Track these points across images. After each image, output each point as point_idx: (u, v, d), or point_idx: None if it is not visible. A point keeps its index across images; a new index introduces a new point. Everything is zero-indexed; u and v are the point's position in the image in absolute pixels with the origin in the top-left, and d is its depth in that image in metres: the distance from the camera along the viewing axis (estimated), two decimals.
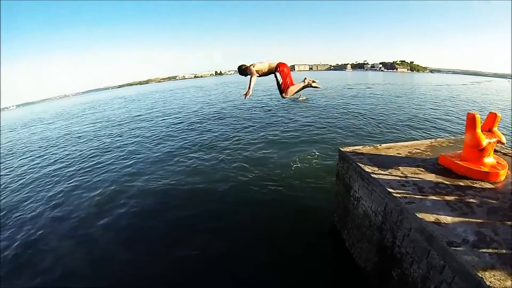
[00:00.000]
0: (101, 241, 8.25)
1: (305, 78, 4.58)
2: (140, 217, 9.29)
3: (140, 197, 10.66)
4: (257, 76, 4.60)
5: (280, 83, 4.48)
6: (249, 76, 4.55)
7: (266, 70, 4.61)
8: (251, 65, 4.59)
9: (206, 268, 6.72)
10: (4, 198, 12.40)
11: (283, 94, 4.50)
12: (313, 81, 4.59)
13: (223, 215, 8.89)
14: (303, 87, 4.57)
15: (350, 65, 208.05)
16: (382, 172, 5.36)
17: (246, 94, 4.46)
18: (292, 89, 4.47)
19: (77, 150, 19.51)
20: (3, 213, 10.84)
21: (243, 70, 4.68)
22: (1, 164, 18.64)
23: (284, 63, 4.56)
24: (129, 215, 9.50)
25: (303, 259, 6.66)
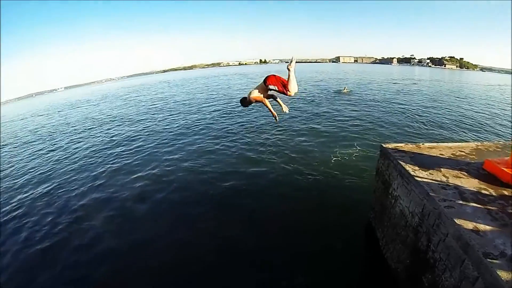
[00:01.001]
0: (143, 222, 8.94)
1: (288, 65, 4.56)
2: (181, 202, 9.89)
3: (182, 182, 11.30)
4: (266, 98, 4.87)
5: (279, 90, 4.60)
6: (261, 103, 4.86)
7: (262, 92, 4.80)
8: (249, 93, 4.81)
9: (243, 252, 7.12)
10: (52, 173, 13.97)
11: (288, 94, 4.57)
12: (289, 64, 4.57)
13: (261, 203, 9.21)
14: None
15: (396, 59, 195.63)
16: (423, 172, 5.21)
17: (275, 118, 5.03)
18: (292, 85, 4.51)
19: (121, 132, 21.02)
20: (50, 187, 12.23)
21: (246, 101, 4.93)
22: (52, 143, 20.66)
23: (269, 76, 4.67)
24: (171, 199, 10.14)
25: (336, 253, 6.76)
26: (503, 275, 2.94)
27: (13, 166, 16.63)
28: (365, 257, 6.79)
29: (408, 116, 20.29)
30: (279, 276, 6.31)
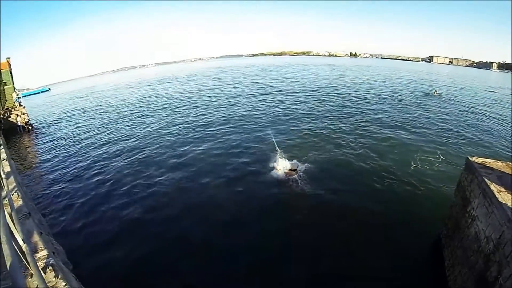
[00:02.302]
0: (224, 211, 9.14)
1: None
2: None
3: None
4: None
5: None
6: None
7: None
8: None
9: (300, 247, 7.20)
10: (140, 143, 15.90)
11: None
12: None
13: (334, 200, 9.16)
14: None
15: (496, 64, 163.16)
16: (509, 195, 4.52)
17: None
18: None
19: (209, 112, 22.36)
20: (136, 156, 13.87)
21: None
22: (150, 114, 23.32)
23: None
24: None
25: (398, 265, 6.41)
26: None
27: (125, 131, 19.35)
28: (427, 275, 6.24)
29: (504, 129, 17.20)
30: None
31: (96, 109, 29.59)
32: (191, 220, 8.62)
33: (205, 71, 70.32)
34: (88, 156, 14.85)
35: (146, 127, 19.42)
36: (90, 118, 25.39)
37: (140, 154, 14.35)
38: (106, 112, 27.19)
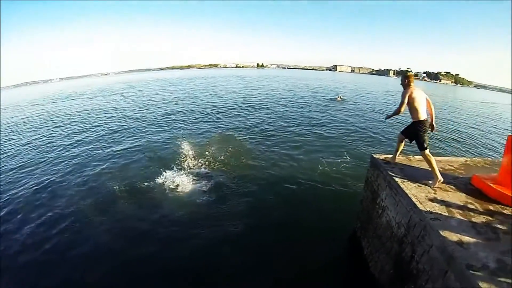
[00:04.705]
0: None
1: None
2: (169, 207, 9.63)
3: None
4: None
5: None
6: None
7: None
8: None
9: (221, 257, 6.99)
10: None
11: None
12: None
13: (237, 214, 8.79)
14: None
15: (393, 71, 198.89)
16: (412, 184, 5.26)
17: None
18: None
19: (112, 128, 20.46)
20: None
21: None
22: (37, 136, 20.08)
23: None
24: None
25: (319, 261, 6.70)
26: (485, 286, 2.97)
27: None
28: (349, 266, 6.77)
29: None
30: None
31: None
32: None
33: (112, 86, 65.05)
34: None
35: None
36: None
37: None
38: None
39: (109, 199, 9.75)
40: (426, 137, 5.43)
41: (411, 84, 5.55)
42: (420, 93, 5.51)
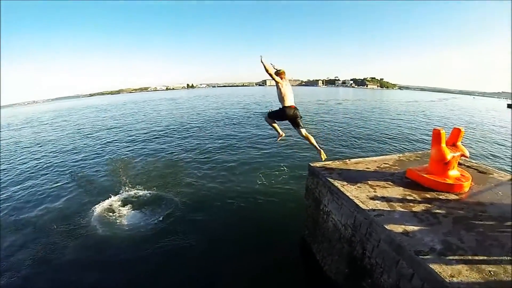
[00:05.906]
0: None
1: None
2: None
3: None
4: None
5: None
6: None
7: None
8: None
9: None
10: None
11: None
12: None
13: (180, 232, 8.40)
14: None
15: (321, 81, 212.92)
16: (351, 186, 5.48)
17: None
18: None
19: (44, 160, 18.08)
20: None
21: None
22: None
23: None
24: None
25: (274, 272, 6.50)
26: (435, 267, 3.15)
27: None
28: (304, 272, 6.68)
29: (334, 135, 21.82)
30: None
31: None
32: None
33: (41, 116, 57.76)
34: None
35: None
36: None
37: None
38: None
39: (48, 249, 8.08)
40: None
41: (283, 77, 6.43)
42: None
